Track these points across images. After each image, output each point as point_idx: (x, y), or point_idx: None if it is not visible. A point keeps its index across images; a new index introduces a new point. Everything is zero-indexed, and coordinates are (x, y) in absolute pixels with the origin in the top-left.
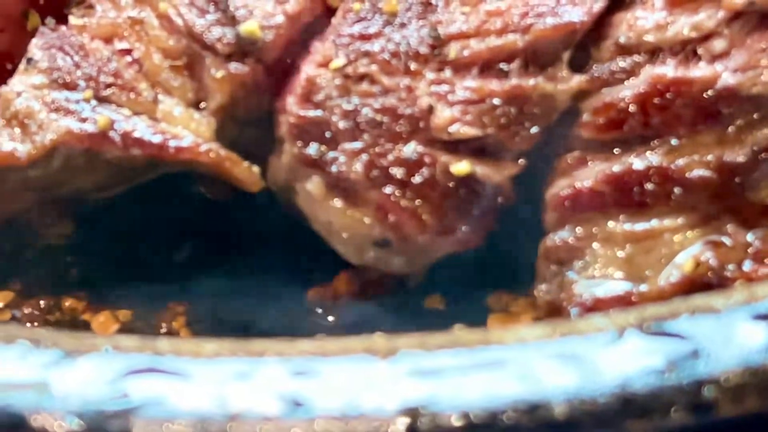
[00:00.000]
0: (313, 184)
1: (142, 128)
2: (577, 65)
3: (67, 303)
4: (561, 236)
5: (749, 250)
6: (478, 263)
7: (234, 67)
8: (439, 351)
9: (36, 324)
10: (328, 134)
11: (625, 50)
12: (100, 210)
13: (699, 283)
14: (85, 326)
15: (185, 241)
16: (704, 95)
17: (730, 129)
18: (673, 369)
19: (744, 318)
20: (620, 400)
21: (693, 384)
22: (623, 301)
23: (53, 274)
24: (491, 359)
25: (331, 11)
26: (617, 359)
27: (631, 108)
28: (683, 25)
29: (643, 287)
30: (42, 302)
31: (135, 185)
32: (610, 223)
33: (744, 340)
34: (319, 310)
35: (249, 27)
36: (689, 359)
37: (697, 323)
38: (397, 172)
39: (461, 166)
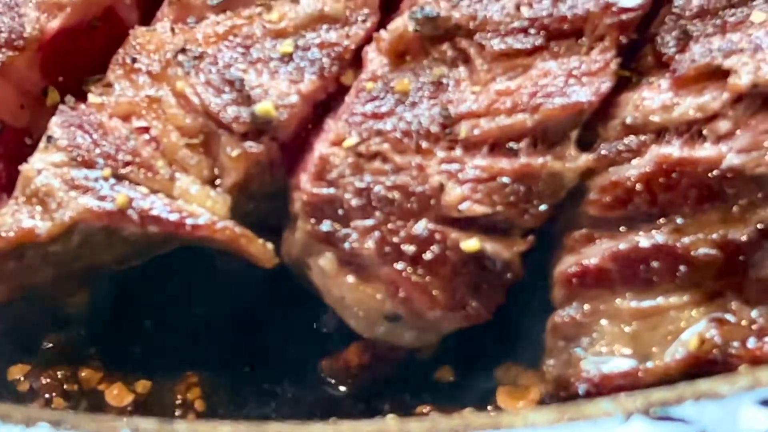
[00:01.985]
0: (326, 260)
1: (159, 206)
2: (585, 144)
3: (83, 373)
4: (569, 312)
5: (753, 327)
6: (487, 336)
7: (249, 145)
8: None
9: (54, 394)
10: (340, 211)
11: (631, 130)
12: (116, 281)
13: (704, 360)
14: (100, 397)
15: (199, 311)
16: (709, 175)
17: (735, 208)
18: None
19: (748, 403)
20: None
21: None
22: (630, 378)
23: (69, 345)
24: None
25: (344, 89)
26: None
27: (638, 187)
28: (689, 106)
29: (650, 364)
30: (59, 373)
31: (150, 258)
32: (617, 300)
33: (748, 426)
34: (332, 381)
35: (264, 106)
36: None
37: (702, 408)
38: (409, 248)
39: (471, 243)
